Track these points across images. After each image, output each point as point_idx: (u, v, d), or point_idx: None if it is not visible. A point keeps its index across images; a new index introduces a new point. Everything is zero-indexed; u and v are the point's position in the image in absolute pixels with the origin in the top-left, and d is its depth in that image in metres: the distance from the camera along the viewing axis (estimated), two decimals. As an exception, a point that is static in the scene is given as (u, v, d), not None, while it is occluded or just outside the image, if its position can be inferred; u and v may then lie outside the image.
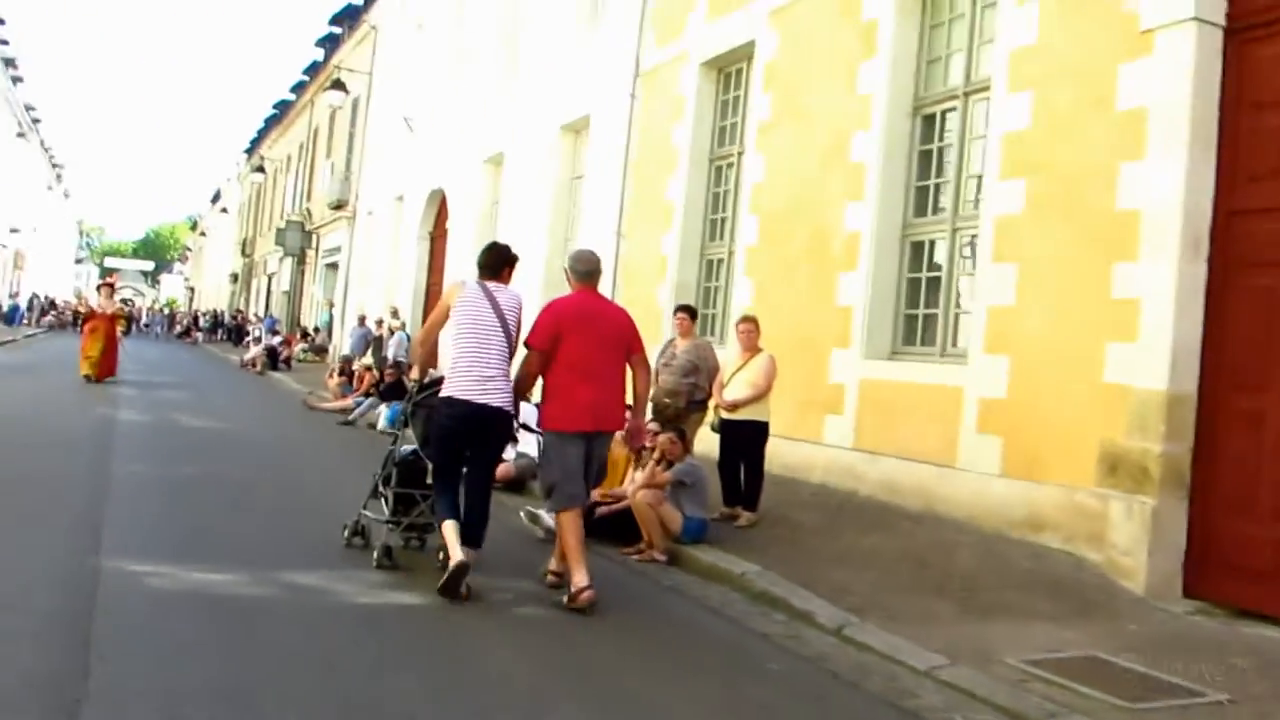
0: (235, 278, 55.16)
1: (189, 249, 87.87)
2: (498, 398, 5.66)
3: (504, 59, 19.75)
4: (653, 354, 7.87)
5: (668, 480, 7.15)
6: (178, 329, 49.13)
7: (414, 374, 6.41)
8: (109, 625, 4.45)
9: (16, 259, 53.08)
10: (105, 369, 16.78)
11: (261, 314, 43.19)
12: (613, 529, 7.28)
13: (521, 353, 5.90)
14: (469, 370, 5.65)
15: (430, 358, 6.61)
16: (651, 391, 7.68)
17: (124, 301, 57.09)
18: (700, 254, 12.90)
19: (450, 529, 5.54)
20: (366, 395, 15.71)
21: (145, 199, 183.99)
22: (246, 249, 51.84)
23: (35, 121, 51.16)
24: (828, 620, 5.64)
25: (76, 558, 5.61)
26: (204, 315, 49.01)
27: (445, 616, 5.27)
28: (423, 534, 6.45)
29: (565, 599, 5.56)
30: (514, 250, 6.24)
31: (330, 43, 37.99)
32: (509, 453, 8.69)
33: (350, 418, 14.61)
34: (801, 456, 9.79)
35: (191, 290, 77.11)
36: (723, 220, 12.66)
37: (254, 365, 25.92)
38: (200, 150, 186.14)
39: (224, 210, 59.68)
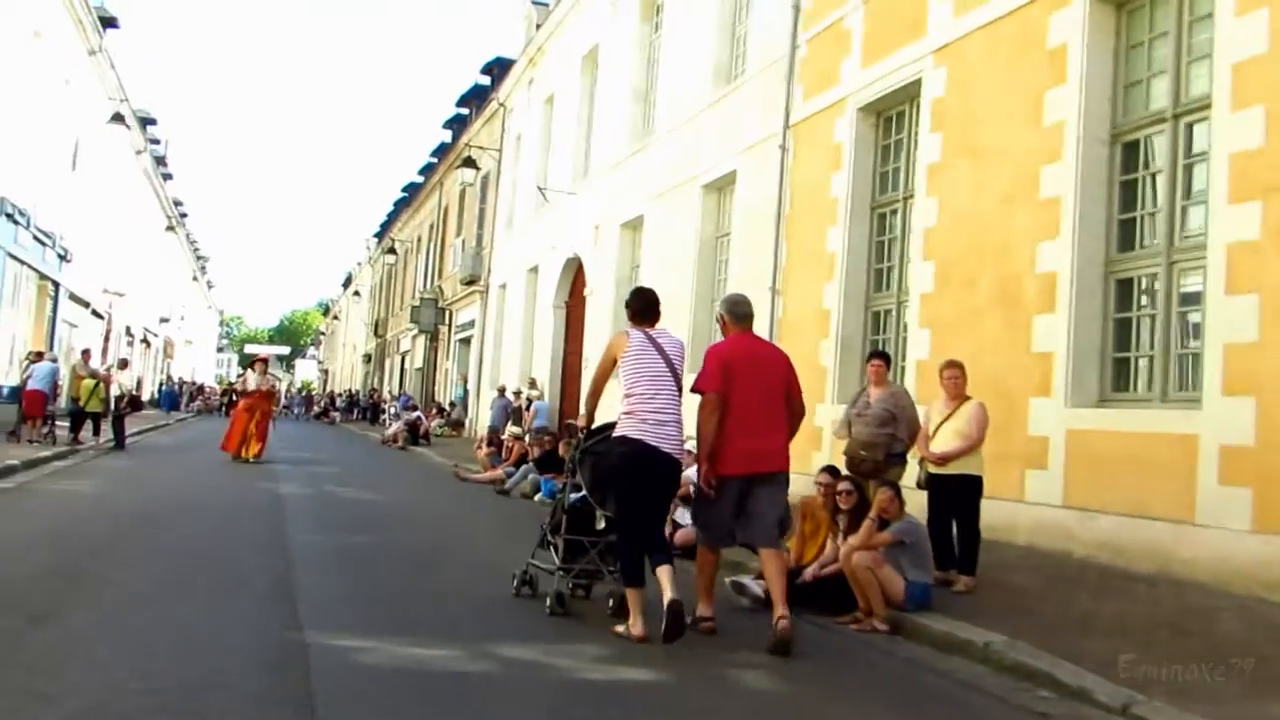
0: (368, 358, 56.55)
1: (321, 333, 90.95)
2: (669, 443, 5.74)
3: (638, 123, 19.74)
4: (827, 407, 7.36)
5: (886, 540, 6.50)
6: (315, 409, 50.33)
7: (581, 422, 6.43)
8: (334, 708, 4.06)
9: (166, 347, 55.54)
10: (258, 447, 16.83)
11: (396, 391, 44.15)
12: (822, 595, 6.72)
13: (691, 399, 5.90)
14: (643, 415, 5.71)
15: (593, 409, 6.50)
16: (844, 445, 7.90)
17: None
18: (865, 305, 12.32)
19: (635, 597, 5.62)
20: (517, 464, 15.50)
21: (279, 287, 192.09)
22: (379, 329, 53.15)
23: (183, 216, 53.76)
24: (1108, 698, 4.90)
25: (278, 631, 5.33)
26: (339, 396, 50.20)
27: (682, 692, 4.91)
28: (591, 580, 6.53)
29: (690, 620, 5.58)
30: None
31: (458, 124, 39.07)
32: (684, 516, 8.40)
33: (506, 487, 14.36)
34: (1003, 515, 8.98)
35: (325, 372, 79.66)
36: (888, 269, 12.09)
37: (395, 441, 26.16)
38: (331, 237, 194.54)
39: (356, 294, 61.56)
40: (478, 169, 29.62)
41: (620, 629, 5.66)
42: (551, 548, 6.46)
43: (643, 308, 6.03)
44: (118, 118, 27.59)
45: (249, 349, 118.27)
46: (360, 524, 10.01)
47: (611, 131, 20.79)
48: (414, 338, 41.78)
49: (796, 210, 13.55)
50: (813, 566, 7.00)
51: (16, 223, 21.39)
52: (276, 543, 8.33)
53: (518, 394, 22.21)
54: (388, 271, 51.94)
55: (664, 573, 5.54)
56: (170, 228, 46.54)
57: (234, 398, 25.93)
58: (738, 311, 6.10)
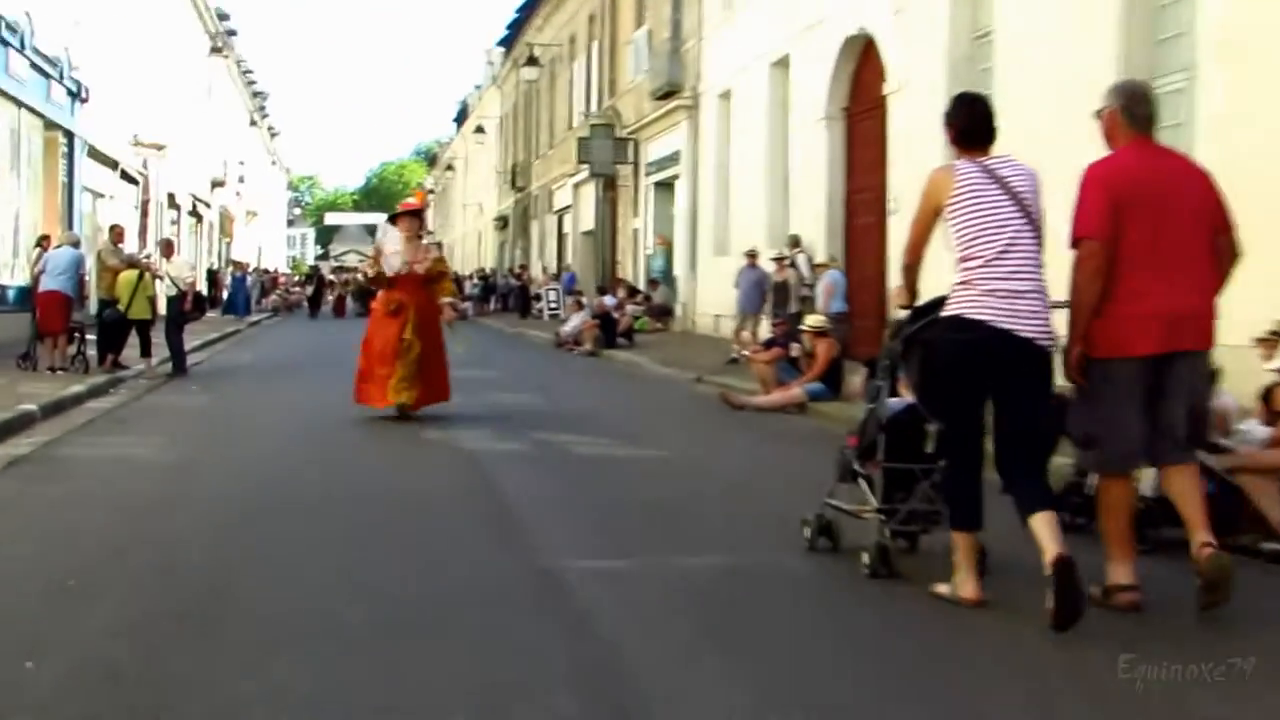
0: (503, 222, 55.31)
1: (431, 191, 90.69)
2: (1030, 321, 5.49)
3: None
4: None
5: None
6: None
7: (900, 300, 6.30)
8: None
9: (223, 222, 55.49)
10: (432, 388, 12.37)
11: (554, 268, 42.51)
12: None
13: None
14: (991, 286, 5.51)
15: (914, 283, 6.18)
16: None
17: (344, 269, 58.53)
18: None
19: (966, 545, 5.58)
20: (825, 377, 13.22)
21: (364, 134, 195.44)
22: (517, 180, 51.74)
23: (230, 34, 53.01)
24: None
25: None
26: (468, 279, 48.88)
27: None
28: (925, 526, 6.33)
29: (1098, 592, 5.47)
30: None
31: None
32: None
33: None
34: None
35: (438, 245, 79.46)
36: None
37: (577, 343, 24.36)
38: (431, 61, 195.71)
39: (478, 130, 59.97)
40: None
41: (943, 589, 5.62)
42: (862, 481, 6.37)
43: (970, 125, 5.84)
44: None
45: (330, 218, 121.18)
46: (643, 516, 7.66)
47: None
48: (576, 186, 40.00)
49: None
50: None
51: (5, 41, 19.90)
52: (526, 590, 5.90)
53: (781, 261, 19.67)
54: (525, 94, 50.15)
55: (1042, 522, 5.25)
56: (217, 49, 45.58)
57: (361, 293, 24.38)
58: (1139, 111, 5.78)
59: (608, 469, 9.61)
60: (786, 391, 13.90)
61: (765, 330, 19.67)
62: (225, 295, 39.34)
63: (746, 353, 18.58)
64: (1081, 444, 5.91)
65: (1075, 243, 5.56)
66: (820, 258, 19.93)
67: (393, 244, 12.40)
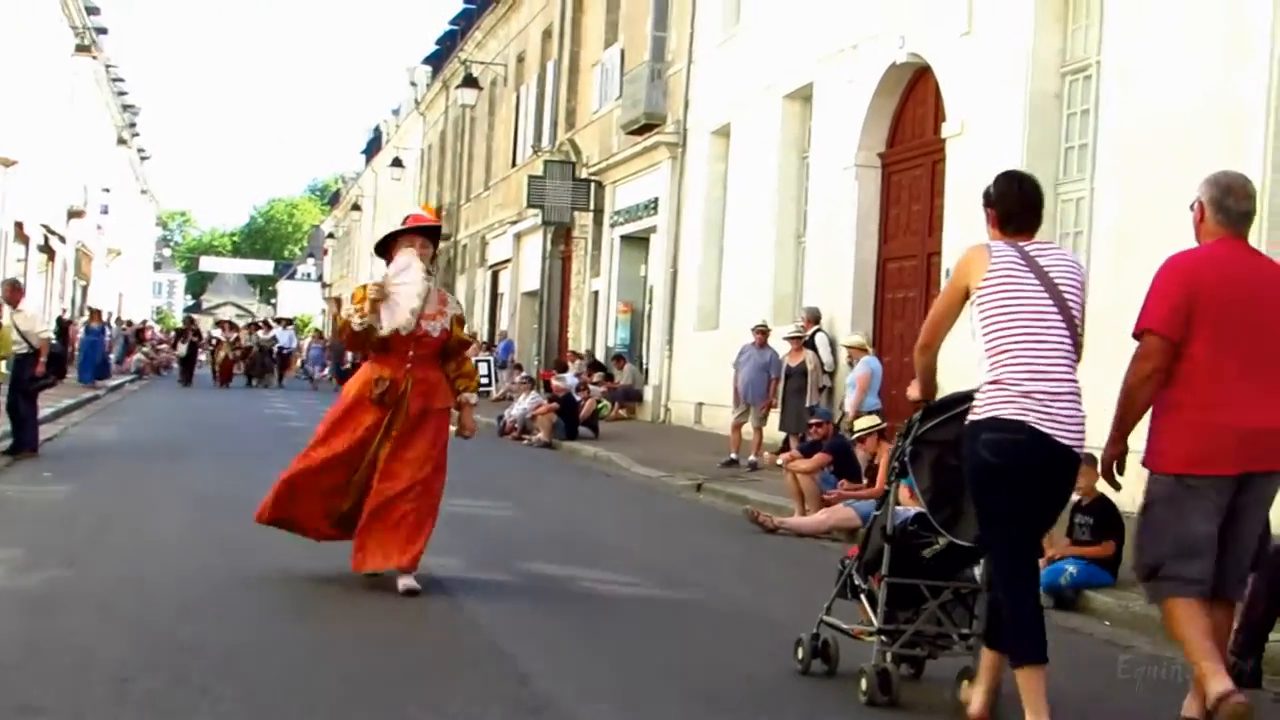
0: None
1: (330, 235, 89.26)
2: (1067, 429, 5.72)
3: None
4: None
5: None
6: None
7: (913, 393, 6.50)
8: None
9: (79, 260, 53.76)
10: (390, 544, 8.18)
11: (484, 334, 41.29)
12: None
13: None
14: (1022, 385, 5.73)
15: (930, 372, 6.40)
16: None
17: (228, 324, 56.42)
18: None
19: (1033, 680, 5.64)
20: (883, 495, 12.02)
21: (250, 164, 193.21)
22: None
23: (100, 32, 51.65)
24: None
25: None
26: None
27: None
28: (932, 650, 6.60)
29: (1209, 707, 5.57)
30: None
31: None
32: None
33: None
34: None
35: (335, 300, 77.60)
36: None
37: (525, 432, 23.25)
38: (337, 78, 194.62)
39: (396, 163, 58.83)
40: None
41: (962, 695, 6.14)
42: (863, 597, 6.65)
43: (1016, 208, 6.07)
44: None
45: (206, 264, 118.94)
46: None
47: None
48: (519, 236, 39.05)
49: None
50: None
51: None
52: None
53: (798, 340, 18.51)
54: (457, 122, 49.23)
55: (1027, 679, 5.61)
56: (83, 46, 44.19)
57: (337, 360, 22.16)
58: (1236, 208, 6.05)
59: (640, 620, 8.39)
60: (834, 511, 12.92)
61: (773, 426, 18.61)
62: (76, 352, 37.32)
63: (754, 457, 17.89)
64: (1145, 573, 6.08)
65: (1137, 335, 5.89)
66: (849, 339, 18.68)
67: (409, 281, 8.09)
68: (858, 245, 19.96)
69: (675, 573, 10.07)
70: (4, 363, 15.76)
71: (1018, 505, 5.77)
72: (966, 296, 5.94)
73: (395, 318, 7.89)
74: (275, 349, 44.45)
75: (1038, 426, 5.62)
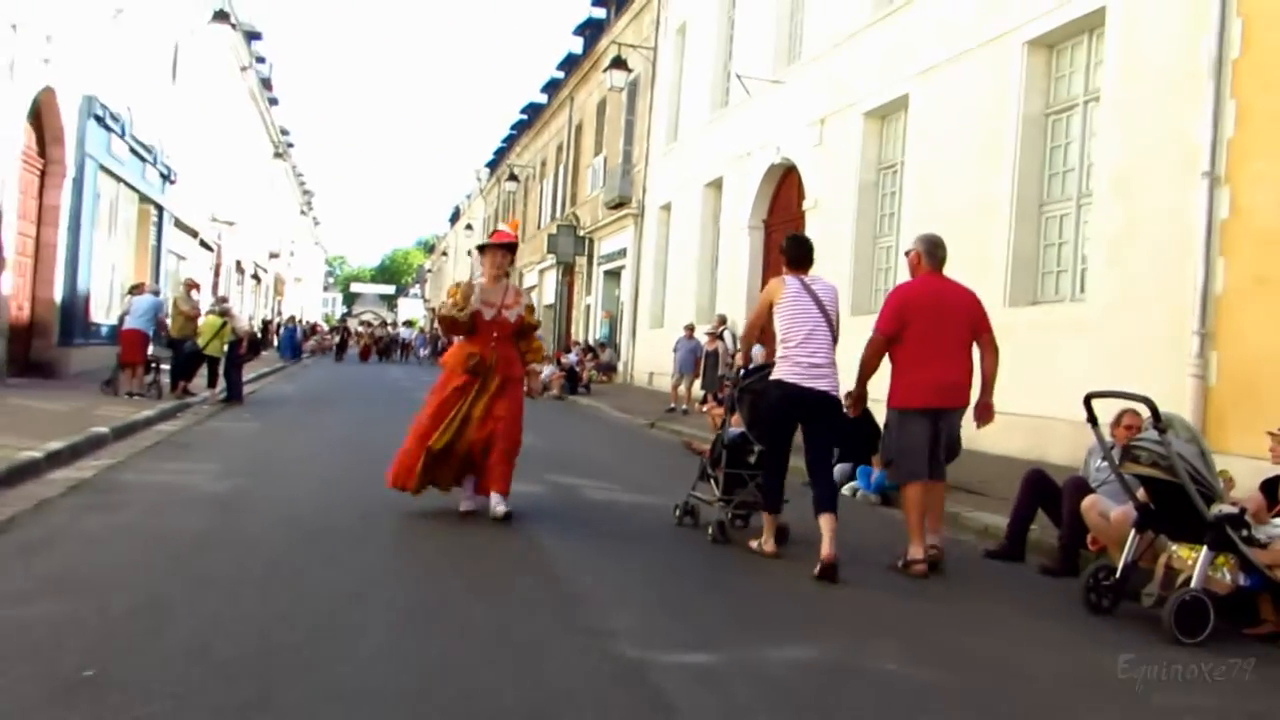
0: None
1: (428, 270, 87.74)
2: (826, 384, 5.82)
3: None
4: None
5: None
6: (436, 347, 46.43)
7: (739, 360, 6.75)
8: None
9: (276, 284, 52.50)
10: (500, 480, 6.67)
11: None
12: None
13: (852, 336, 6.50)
14: (798, 360, 5.80)
15: (749, 350, 6.80)
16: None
17: (365, 323, 55.21)
18: None
19: (771, 521, 6.04)
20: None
21: (380, 227, 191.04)
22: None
23: (289, 146, 50.30)
24: None
25: None
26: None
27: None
28: (750, 511, 6.68)
29: (899, 565, 5.84)
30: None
31: (592, 28, 34.34)
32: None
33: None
34: None
35: (432, 311, 76.51)
36: None
37: (546, 390, 22.20)
38: (436, 174, 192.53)
39: (468, 227, 57.63)
40: (629, 70, 24.97)
41: (754, 544, 6.10)
42: (712, 480, 6.71)
43: (799, 255, 6.10)
44: (221, 15, 23.58)
45: (354, 287, 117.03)
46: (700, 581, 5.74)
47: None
48: (541, 271, 37.80)
49: (1260, 51, 8.62)
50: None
51: (109, 128, 17.43)
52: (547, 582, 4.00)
53: (714, 334, 17.79)
54: (506, 201, 47.90)
55: (825, 522, 5.65)
56: (278, 154, 42.97)
57: (431, 343, 21.01)
58: (936, 253, 6.19)
59: (619, 512, 7.60)
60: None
61: (697, 389, 17.92)
62: (277, 340, 36.32)
63: (685, 406, 16.93)
64: (890, 463, 6.23)
65: (875, 332, 6.03)
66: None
67: (478, 282, 6.80)
68: (749, 276, 19.18)
69: (639, 480, 9.29)
70: (220, 344, 14.83)
71: (783, 423, 5.93)
72: (772, 308, 5.95)
73: (469, 304, 6.52)
74: (397, 338, 43.48)
75: (803, 384, 5.76)
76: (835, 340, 5.93)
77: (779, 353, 5.95)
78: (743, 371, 6.64)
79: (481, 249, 6.91)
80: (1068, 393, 10.12)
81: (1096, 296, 10.28)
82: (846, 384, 6.10)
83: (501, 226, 7.18)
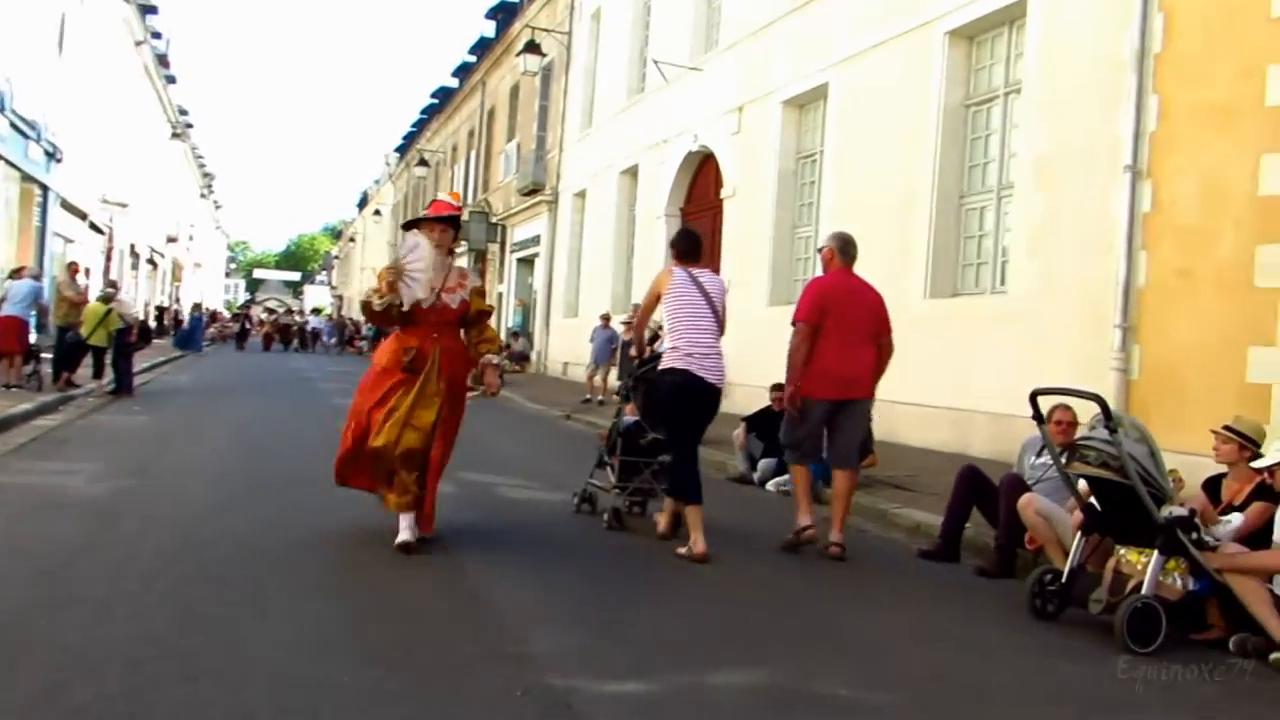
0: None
1: (335, 257, 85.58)
2: (712, 374, 5.87)
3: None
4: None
5: None
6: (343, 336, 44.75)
7: (633, 351, 6.79)
8: None
9: (174, 270, 50.38)
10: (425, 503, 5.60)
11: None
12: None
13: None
14: (686, 349, 5.85)
15: (642, 340, 6.73)
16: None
17: (269, 310, 53.31)
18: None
19: (695, 517, 5.79)
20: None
21: (285, 212, 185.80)
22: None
23: (188, 126, 48.25)
24: None
25: None
26: (365, 324, 44.95)
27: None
28: (645, 498, 6.77)
29: (792, 536, 6.09)
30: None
31: (505, 11, 33.57)
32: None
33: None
34: None
35: (339, 298, 74.38)
36: None
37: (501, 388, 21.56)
38: (341, 158, 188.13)
39: (376, 213, 56.20)
40: (542, 55, 24.39)
41: (682, 550, 5.74)
42: (608, 468, 6.78)
43: (688, 249, 6.13)
44: (112, -15, 22.32)
45: (257, 273, 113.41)
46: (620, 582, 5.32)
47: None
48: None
49: (1181, 46, 8.56)
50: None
51: (-13, 102, 16.28)
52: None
53: (629, 324, 17.36)
54: (415, 187, 46.75)
55: (693, 512, 5.82)
56: (176, 134, 41.15)
57: (339, 331, 19.69)
58: (849, 251, 6.35)
59: (534, 511, 7.12)
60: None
61: (614, 378, 17.50)
62: (183, 328, 34.26)
63: (600, 397, 16.57)
64: (788, 446, 6.39)
65: (795, 323, 6.12)
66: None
67: (419, 259, 5.44)
68: (665, 264, 18.93)
69: (557, 477, 8.77)
70: (105, 333, 13.84)
71: (682, 415, 5.95)
72: (659, 298, 5.98)
73: (415, 292, 5.38)
74: (304, 326, 41.87)
75: (695, 372, 5.79)
76: (722, 331, 6.00)
77: (668, 343, 6.01)
78: (636, 362, 6.66)
79: (414, 224, 5.69)
80: (989, 385, 10.08)
81: (1017, 289, 10.19)
82: (734, 372, 6.30)
83: (441, 196, 6.08)
